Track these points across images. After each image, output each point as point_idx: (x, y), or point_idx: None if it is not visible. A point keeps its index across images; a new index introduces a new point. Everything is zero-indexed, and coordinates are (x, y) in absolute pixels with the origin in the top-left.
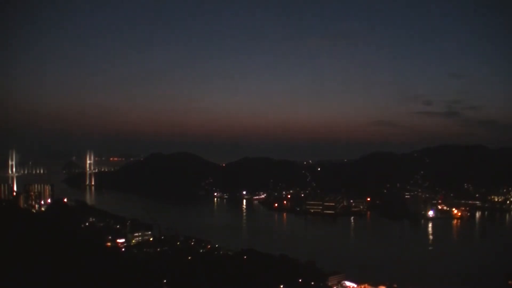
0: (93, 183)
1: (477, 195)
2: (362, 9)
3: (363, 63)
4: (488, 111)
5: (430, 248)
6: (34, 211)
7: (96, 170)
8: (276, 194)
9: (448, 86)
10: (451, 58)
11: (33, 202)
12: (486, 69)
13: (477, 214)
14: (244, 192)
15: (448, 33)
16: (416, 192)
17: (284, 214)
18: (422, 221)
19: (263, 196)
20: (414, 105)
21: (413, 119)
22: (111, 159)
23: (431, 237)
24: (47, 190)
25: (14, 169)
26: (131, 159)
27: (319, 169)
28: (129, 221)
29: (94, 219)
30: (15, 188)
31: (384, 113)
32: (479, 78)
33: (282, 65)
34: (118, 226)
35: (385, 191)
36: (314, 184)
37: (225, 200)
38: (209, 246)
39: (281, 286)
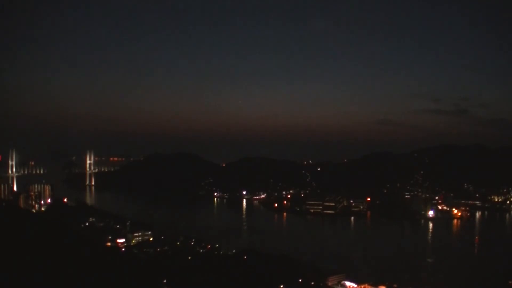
0: (93, 183)
1: (477, 195)
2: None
3: (367, 59)
4: (498, 109)
5: (429, 248)
6: (34, 211)
7: (96, 170)
8: (276, 194)
9: (457, 82)
10: (460, 53)
11: (33, 202)
12: (495, 65)
13: (477, 214)
14: (244, 192)
15: (457, 28)
16: (416, 192)
17: (284, 214)
18: (422, 221)
19: (263, 196)
20: (422, 102)
21: (419, 118)
22: (111, 159)
23: (431, 237)
24: (47, 190)
25: (14, 169)
26: (131, 159)
27: (319, 169)
28: (129, 221)
29: (94, 219)
30: (15, 188)
31: (389, 111)
32: (489, 74)
33: (282, 64)
34: (118, 226)
35: (385, 191)
36: (314, 184)
37: (225, 200)
38: (209, 246)
39: (281, 286)
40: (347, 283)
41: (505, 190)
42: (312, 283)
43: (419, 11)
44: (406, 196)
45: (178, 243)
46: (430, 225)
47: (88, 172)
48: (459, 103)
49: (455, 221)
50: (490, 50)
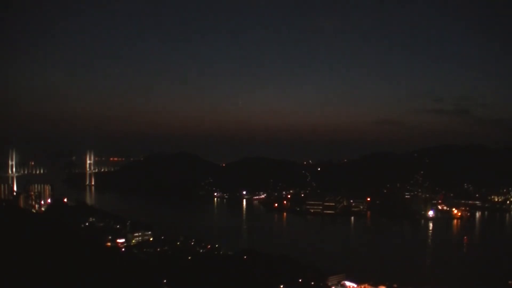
0: (93, 183)
1: (477, 195)
2: None
3: (368, 58)
4: (499, 109)
5: (429, 248)
6: (34, 211)
7: (96, 170)
8: (276, 194)
9: (458, 82)
10: (462, 52)
11: (33, 202)
12: (498, 64)
13: (477, 214)
14: (244, 192)
15: (458, 27)
16: (416, 192)
17: (284, 214)
18: (422, 221)
19: (263, 196)
20: (422, 102)
21: (420, 118)
22: (111, 159)
23: (431, 237)
24: (47, 190)
25: (14, 169)
26: (131, 159)
27: (319, 169)
28: (129, 221)
29: (94, 219)
30: (15, 188)
31: (389, 111)
32: (491, 74)
33: (282, 64)
34: (118, 226)
35: (385, 191)
36: (314, 184)
37: (225, 200)
38: (209, 246)
39: (281, 286)
40: (347, 283)
41: (505, 190)
42: (312, 283)
43: (420, 11)
44: (406, 196)
45: (178, 243)
46: (430, 225)
47: (88, 172)
48: (460, 102)
49: (455, 221)
50: (493, 49)
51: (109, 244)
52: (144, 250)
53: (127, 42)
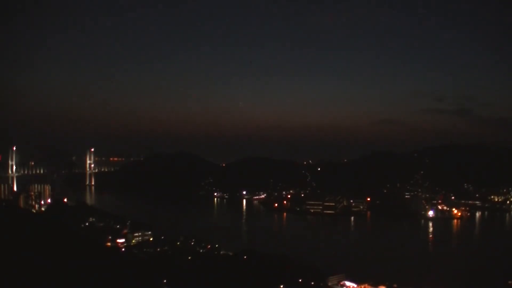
0: (93, 183)
1: (477, 195)
2: None
3: (368, 57)
4: (503, 108)
5: (429, 248)
6: (34, 211)
7: (96, 170)
8: (276, 194)
9: (461, 81)
10: (464, 51)
11: (33, 202)
12: (502, 62)
13: (477, 214)
14: (244, 192)
15: (461, 25)
16: (416, 192)
17: (284, 214)
18: (422, 221)
19: (263, 196)
20: (424, 101)
21: (421, 117)
22: (111, 159)
23: (431, 237)
24: (47, 190)
25: (14, 169)
26: (131, 159)
27: (319, 169)
28: (129, 221)
29: (94, 219)
30: (15, 188)
31: (390, 110)
32: (494, 73)
33: (281, 64)
34: (118, 226)
35: (385, 191)
36: (314, 184)
37: (225, 200)
38: (209, 246)
39: (281, 286)
40: (347, 283)
41: (505, 190)
42: (312, 283)
43: (421, 9)
44: (406, 196)
45: (178, 243)
46: (430, 225)
47: (88, 172)
48: (463, 102)
49: (455, 221)
50: (495, 48)
51: (109, 244)
52: (144, 250)
53: (127, 43)
